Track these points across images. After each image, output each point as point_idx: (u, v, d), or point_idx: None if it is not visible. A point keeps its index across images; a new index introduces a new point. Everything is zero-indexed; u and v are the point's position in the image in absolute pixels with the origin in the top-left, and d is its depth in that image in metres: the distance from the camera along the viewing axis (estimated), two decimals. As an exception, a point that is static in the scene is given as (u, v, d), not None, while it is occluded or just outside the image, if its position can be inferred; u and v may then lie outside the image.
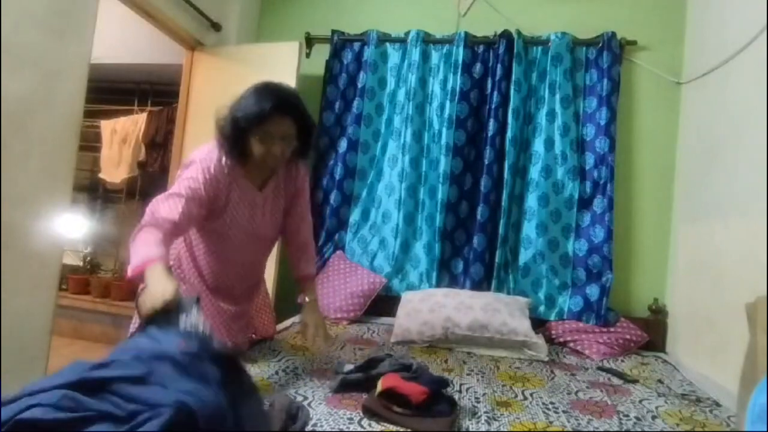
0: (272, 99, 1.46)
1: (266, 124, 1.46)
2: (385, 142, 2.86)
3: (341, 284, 2.60)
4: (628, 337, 2.38)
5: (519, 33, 2.74)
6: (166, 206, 1.40)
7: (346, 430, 1.25)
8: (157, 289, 1.18)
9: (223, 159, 1.54)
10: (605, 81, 2.65)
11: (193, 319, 1.15)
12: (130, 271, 1.27)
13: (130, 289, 3.80)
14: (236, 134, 1.48)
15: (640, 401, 1.68)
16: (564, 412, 1.52)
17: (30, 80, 1.77)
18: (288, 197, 1.75)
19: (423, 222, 2.76)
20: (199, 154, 1.57)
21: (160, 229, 1.35)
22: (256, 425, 1.05)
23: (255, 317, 1.96)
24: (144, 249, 1.29)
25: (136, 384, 0.92)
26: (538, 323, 2.47)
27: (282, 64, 2.72)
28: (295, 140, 1.54)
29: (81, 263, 4.03)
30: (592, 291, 2.55)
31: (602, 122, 2.64)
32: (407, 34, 2.88)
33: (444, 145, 2.73)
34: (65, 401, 0.86)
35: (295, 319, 2.49)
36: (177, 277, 1.58)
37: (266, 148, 1.49)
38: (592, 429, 1.40)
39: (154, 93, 4.35)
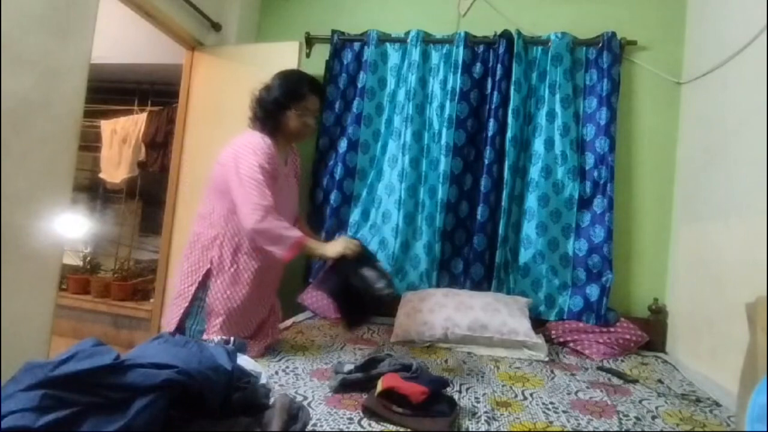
0: (307, 81, 1.85)
1: (305, 100, 1.81)
2: (385, 142, 2.86)
3: (341, 284, 2.60)
4: (628, 337, 2.38)
5: (519, 33, 2.74)
6: (257, 195, 1.65)
7: (346, 430, 1.25)
8: (345, 242, 1.70)
9: (266, 138, 1.77)
10: (605, 81, 2.65)
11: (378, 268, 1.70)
12: (287, 252, 1.64)
13: (130, 289, 3.81)
14: (276, 111, 1.79)
15: (640, 401, 1.68)
16: (564, 412, 1.52)
17: (30, 80, 1.77)
18: (297, 172, 2.01)
19: (423, 222, 2.76)
20: (241, 145, 1.74)
21: (273, 214, 1.65)
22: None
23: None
24: (288, 232, 1.65)
25: (114, 372, 0.91)
26: (538, 323, 2.47)
27: (282, 64, 2.70)
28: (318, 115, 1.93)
29: (81, 263, 4.03)
30: (592, 291, 2.55)
31: (602, 122, 2.64)
32: (407, 34, 2.87)
33: (444, 145, 2.73)
34: (47, 401, 0.84)
35: (296, 318, 2.50)
36: (217, 267, 1.77)
37: (303, 121, 1.82)
38: (592, 429, 1.40)
39: (154, 93, 4.35)
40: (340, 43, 2.93)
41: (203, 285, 1.76)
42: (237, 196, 1.68)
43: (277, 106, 1.79)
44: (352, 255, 1.69)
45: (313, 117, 1.86)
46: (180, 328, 1.75)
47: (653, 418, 1.53)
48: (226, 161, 1.75)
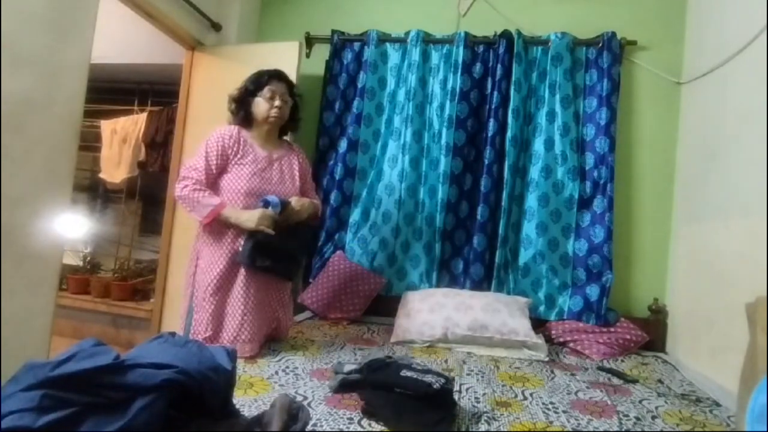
0: (270, 70, 2.02)
1: (269, 84, 1.96)
2: (385, 142, 2.86)
3: (341, 284, 2.60)
4: (628, 337, 2.38)
5: (519, 33, 2.74)
6: (189, 168, 1.87)
7: (346, 430, 1.25)
8: (260, 216, 1.79)
9: (232, 126, 1.97)
10: (605, 81, 2.65)
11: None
12: (207, 217, 1.79)
13: (130, 289, 3.80)
14: (244, 98, 1.97)
15: (640, 401, 1.68)
16: (564, 412, 1.52)
17: (30, 80, 1.76)
18: (301, 171, 2.07)
19: (423, 222, 2.76)
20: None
21: (201, 185, 1.83)
22: None
23: (278, 311, 2.00)
24: (208, 200, 1.80)
25: (113, 372, 0.91)
26: (538, 323, 2.47)
27: (282, 64, 2.69)
28: (289, 100, 2.00)
29: (81, 263, 4.03)
30: (592, 291, 2.55)
31: (602, 122, 2.64)
32: (407, 34, 2.87)
33: (444, 145, 2.73)
34: (47, 401, 0.84)
35: (296, 318, 2.50)
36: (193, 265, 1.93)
37: (270, 104, 1.95)
38: (592, 429, 1.40)
39: (154, 93, 4.35)
40: (340, 43, 2.93)
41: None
42: None
43: (245, 94, 1.97)
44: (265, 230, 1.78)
45: (281, 100, 1.96)
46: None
47: (653, 418, 1.54)
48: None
